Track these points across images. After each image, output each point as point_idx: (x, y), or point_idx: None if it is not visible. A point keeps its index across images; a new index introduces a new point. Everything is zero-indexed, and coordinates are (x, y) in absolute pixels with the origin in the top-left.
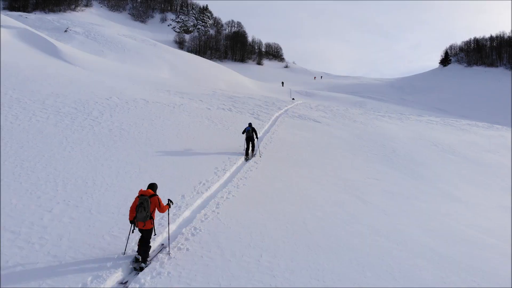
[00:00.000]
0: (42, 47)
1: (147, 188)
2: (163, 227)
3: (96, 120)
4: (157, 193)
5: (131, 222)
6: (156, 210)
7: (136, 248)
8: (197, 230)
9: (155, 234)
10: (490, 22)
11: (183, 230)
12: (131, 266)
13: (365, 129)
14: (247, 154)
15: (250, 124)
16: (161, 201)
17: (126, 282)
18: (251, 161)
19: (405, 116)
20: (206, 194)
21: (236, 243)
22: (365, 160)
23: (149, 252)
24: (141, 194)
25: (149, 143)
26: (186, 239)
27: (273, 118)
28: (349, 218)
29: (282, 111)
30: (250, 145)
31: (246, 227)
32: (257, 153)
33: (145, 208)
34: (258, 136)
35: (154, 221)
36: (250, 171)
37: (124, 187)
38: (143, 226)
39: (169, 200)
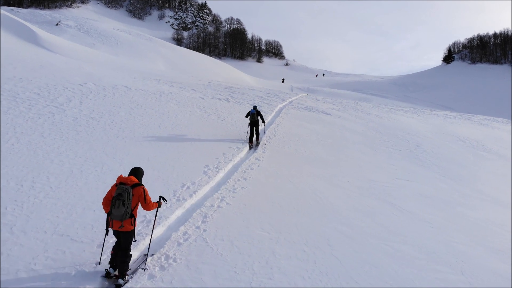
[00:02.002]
0: (20, 33)
1: (129, 175)
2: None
3: (60, 107)
4: (142, 183)
5: (108, 217)
6: (140, 205)
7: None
8: (170, 260)
9: (135, 240)
10: (490, 21)
11: (148, 260)
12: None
13: (382, 122)
14: (251, 141)
15: (255, 107)
16: (147, 193)
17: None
18: (251, 158)
19: (419, 110)
20: (189, 202)
21: (230, 282)
22: (389, 157)
23: (130, 263)
24: (121, 182)
25: (122, 134)
26: (151, 276)
27: (276, 109)
28: (387, 234)
29: (286, 102)
30: (255, 130)
31: (246, 254)
32: (263, 141)
33: (125, 201)
34: (264, 121)
35: (136, 221)
36: (250, 169)
37: (73, 192)
38: (120, 228)
39: (160, 197)
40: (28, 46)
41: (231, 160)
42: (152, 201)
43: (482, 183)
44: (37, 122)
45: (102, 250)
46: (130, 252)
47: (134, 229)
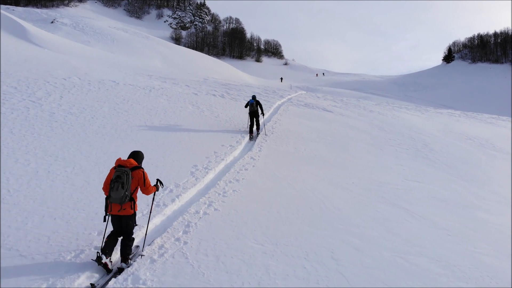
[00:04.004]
0: (9, 28)
1: (129, 158)
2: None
3: (38, 102)
4: (142, 166)
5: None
6: (139, 190)
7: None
8: (139, 282)
9: (136, 224)
10: (489, 21)
11: (112, 282)
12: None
13: (386, 120)
14: (251, 131)
15: (254, 97)
16: (147, 177)
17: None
18: (246, 157)
19: (423, 108)
20: (171, 208)
21: None
22: (396, 157)
23: (132, 248)
24: (119, 165)
25: (102, 131)
26: None
27: (275, 106)
28: (402, 245)
29: (284, 99)
30: (255, 121)
31: (234, 273)
32: (263, 132)
33: (124, 184)
34: (264, 113)
35: (137, 205)
36: (244, 170)
37: (34, 196)
38: (119, 211)
39: (158, 180)
40: (16, 41)
41: (223, 159)
42: (151, 185)
43: (499, 184)
44: (8, 117)
45: (104, 239)
46: (133, 236)
47: (135, 213)
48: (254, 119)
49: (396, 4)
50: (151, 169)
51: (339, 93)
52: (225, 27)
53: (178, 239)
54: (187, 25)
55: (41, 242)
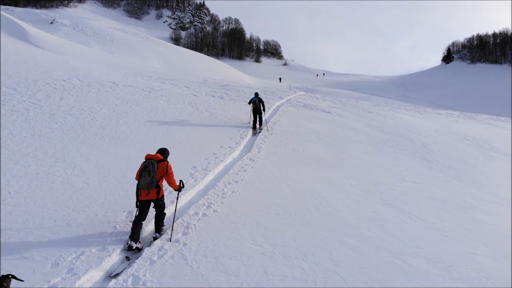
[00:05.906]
0: (8, 29)
1: (156, 153)
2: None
3: (38, 104)
4: (167, 160)
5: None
6: (165, 181)
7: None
8: (139, 283)
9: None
10: (489, 21)
11: (112, 283)
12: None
13: (384, 121)
14: (254, 127)
15: (256, 94)
16: (170, 167)
17: (116, 275)
18: (245, 158)
19: (421, 109)
20: (170, 210)
21: None
22: (394, 157)
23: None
24: (148, 158)
25: (102, 133)
26: None
27: (273, 107)
28: (399, 246)
29: (284, 100)
30: (258, 117)
31: (232, 274)
32: (265, 127)
33: (150, 172)
34: (265, 110)
35: (162, 190)
36: (243, 171)
37: (34, 198)
38: (147, 195)
39: (180, 181)
40: (15, 41)
41: (222, 160)
42: (175, 181)
43: (497, 185)
44: (8, 119)
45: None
46: (165, 211)
47: (163, 196)
48: (257, 115)
49: (396, 4)
50: None
51: (338, 94)
52: (224, 27)
53: (177, 241)
54: (186, 26)
55: (42, 244)
